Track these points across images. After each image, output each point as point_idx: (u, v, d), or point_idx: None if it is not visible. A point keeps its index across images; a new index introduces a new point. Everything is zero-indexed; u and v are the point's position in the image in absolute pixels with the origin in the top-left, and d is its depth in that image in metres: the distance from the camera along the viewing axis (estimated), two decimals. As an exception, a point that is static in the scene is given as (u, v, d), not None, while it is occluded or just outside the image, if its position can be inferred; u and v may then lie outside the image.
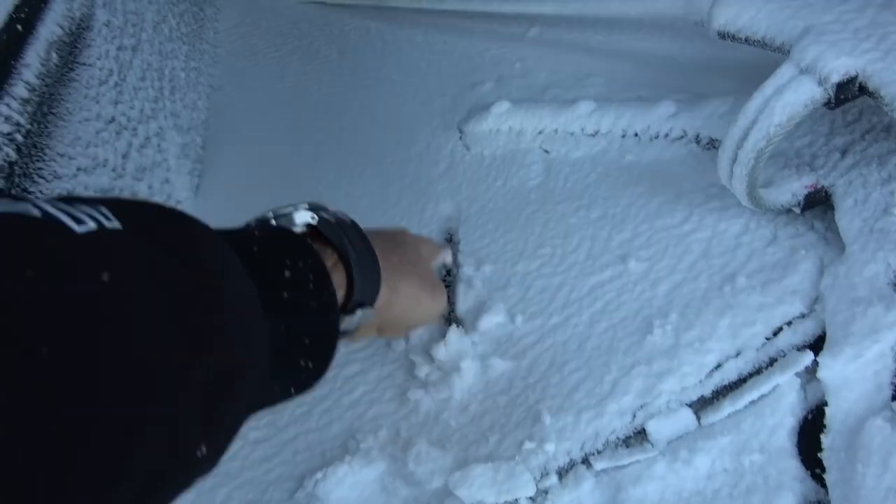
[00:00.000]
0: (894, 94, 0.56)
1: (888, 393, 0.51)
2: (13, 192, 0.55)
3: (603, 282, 0.66)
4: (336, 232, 0.44)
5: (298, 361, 0.37)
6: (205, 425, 0.28)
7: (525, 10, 0.97)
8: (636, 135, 0.77)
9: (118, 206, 0.28)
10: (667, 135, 0.76)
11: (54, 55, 0.67)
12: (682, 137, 0.75)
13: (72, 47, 0.72)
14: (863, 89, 0.59)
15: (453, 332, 0.63)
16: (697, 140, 0.75)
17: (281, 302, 0.35)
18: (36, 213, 0.24)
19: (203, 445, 0.28)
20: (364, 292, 0.44)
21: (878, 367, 0.52)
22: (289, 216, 0.43)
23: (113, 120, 0.76)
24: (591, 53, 0.91)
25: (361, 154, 0.93)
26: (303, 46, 1.20)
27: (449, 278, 0.72)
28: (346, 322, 0.43)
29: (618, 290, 0.64)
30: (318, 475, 0.58)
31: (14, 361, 0.20)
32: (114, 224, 0.26)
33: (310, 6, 1.28)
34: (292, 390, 0.39)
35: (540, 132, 0.82)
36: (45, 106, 0.63)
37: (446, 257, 0.64)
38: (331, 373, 0.69)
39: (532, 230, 0.73)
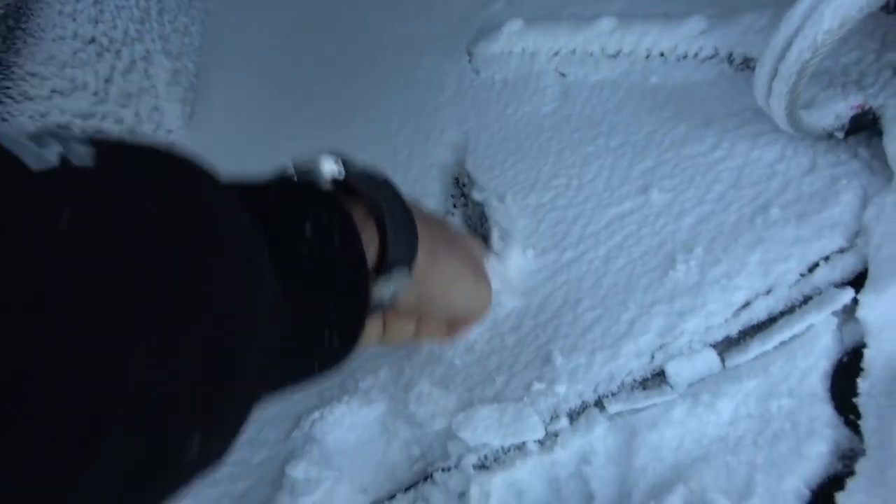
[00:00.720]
0: (966, -5, 0.49)
1: (936, 334, 0.46)
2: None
3: (622, 214, 0.60)
4: (365, 184, 0.38)
5: (322, 333, 0.32)
6: (195, 415, 0.23)
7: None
8: (662, 55, 0.71)
9: (97, 141, 0.24)
10: (696, 54, 0.69)
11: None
12: (713, 57, 0.68)
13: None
14: (927, -8, 0.52)
15: (459, 268, 0.59)
16: (730, 59, 0.68)
17: (299, 263, 0.31)
18: None
19: (194, 439, 0.23)
20: (399, 253, 0.37)
21: (926, 306, 0.47)
22: (310, 167, 0.37)
23: (93, 40, 0.70)
24: (615, -34, 0.82)
25: (362, 80, 0.87)
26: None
27: None
28: (379, 287, 0.37)
29: (638, 223, 0.59)
30: (315, 415, 0.55)
31: None
32: (85, 161, 0.22)
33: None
34: (316, 366, 0.33)
35: (556, 53, 0.76)
36: (12, 20, 0.57)
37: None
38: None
39: (546, 160, 0.68)
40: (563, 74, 0.75)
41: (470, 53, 0.81)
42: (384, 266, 0.37)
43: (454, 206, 0.72)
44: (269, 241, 0.29)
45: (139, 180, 0.23)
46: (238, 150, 0.84)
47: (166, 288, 0.21)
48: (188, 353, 0.22)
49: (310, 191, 0.35)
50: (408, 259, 0.38)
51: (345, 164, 0.38)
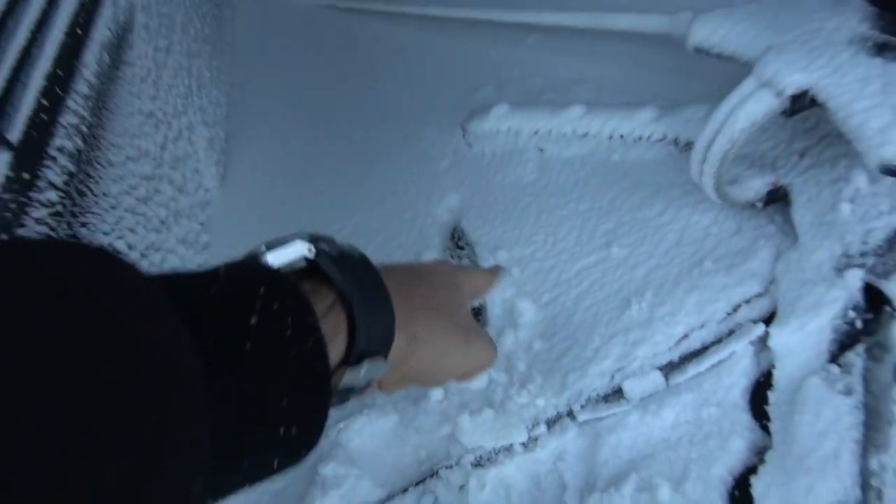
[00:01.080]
0: (838, 105, 0.65)
1: (825, 357, 0.60)
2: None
3: (589, 265, 0.75)
4: (335, 266, 0.35)
5: (277, 428, 0.30)
6: None
7: (525, 20, 1.06)
8: (622, 137, 0.87)
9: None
10: (649, 137, 0.85)
11: (106, 56, 0.75)
12: (662, 140, 0.85)
13: (118, 48, 0.80)
14: (813, 101, 0.68)
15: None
16: (675, 142, 0.84)
17: (245, 355, 0.28)
18: None
19: None
20: (371, 340, 0.35)
21: (818, 337, 0.62)
22: (282, 249, 0.35)
23: (151, 115, 0.85)
24: (584, 61, 1.00)
25: (372, 148, 1.02)
26: (315, 47, 1.29)
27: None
28: (350, 377, 0.34)
29: (602, 273, 0.73)
30: (341, 425, 0.67)
31: None
32: None
33: (321, 9, 1.36)
34: (275, 464, 0.31)
35: (536, 132, 0.92)
36: (101, 101, 0.71)
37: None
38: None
39: (527, 220, 0.83)
40: (541, 150, 0.91)
41: (464, 130, 0.97)
42: (353, 355, 0.34)
43: (451, 257, 0.86)
44: (213, 334, 0.26)
45: (37, 280, 0.21)
46: (265, 205, 0.98)
47: (63, 410, 0.19)
48: (90, 489, 0.19)
49: (260, 277, 0.32)
50: (381, 347, 0.36)
51: (319, 245, 0.35)
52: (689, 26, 0.81)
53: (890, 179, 0.69)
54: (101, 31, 0.77)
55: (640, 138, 0.86)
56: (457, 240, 0.87)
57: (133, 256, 0.72)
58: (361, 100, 1.13)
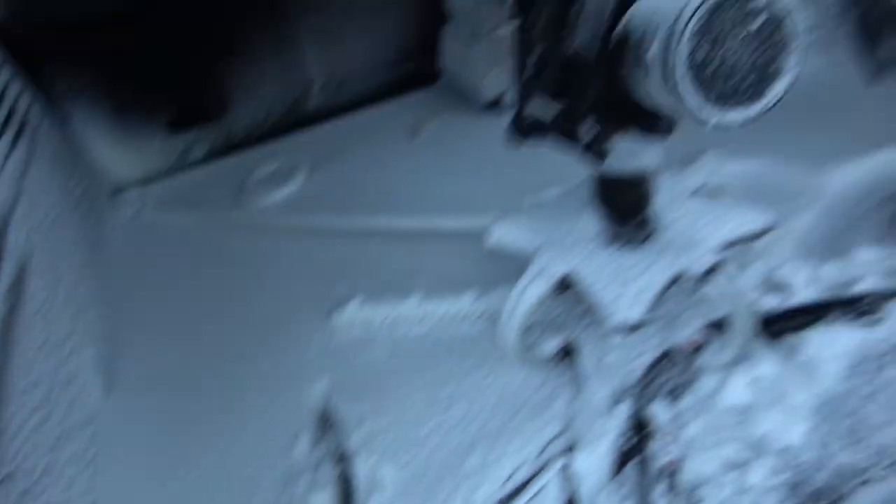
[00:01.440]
0: (585, 285, 0.92)
1: (610, 474, 0.80)
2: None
3: (435, 426, 0.92)
4: None
5: None
6: None
7: (370, 226, 1.32)
8: (451, 316, 1.09)
9: None
10: (472, 315, 1.09)
11: (8, 299, 0.88)
12: (482, 316, 1.08)
13: (19, 284, 0.93)
14: (572, 283, 0.95)
15: (329, 479, 0.86)
16: (492, 317, 1.07)
17: None
18: None
19: None
20: None
21: (604, 459, 0.82)
22: None
23: (48, 338, 0.96)
24: (419, 255, 1.24)
25: (245, 347, 1.16)
26: (185, 261, 1.45)
27: None
28: None
29: (445, 431, 0.91)
30: None
31: None
32: None
33: (189, 228, 1.55)
34: None
35: (385, 318, 1.12)
36: (8, 333, 0.83)
37: None
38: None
39: (384, 394, 1.00)
40: (391, 334, 1.11)
41: (326, 322, 1.15)
42: None
43: (321, 435, 0.99)
44: None
45: None
46: (147, 413, 1.07)
47: None
48: None
49: None
50: None
51: None
52: (488, 230, 1.08)
53: (635, 333, 0.95)
54: (8, 272, 0.90)
55: (466, 316, 1.09)
56: (327, 420, 1.01)
57: (31, 481, 0.78)
58: (232, 305, 1.28)
